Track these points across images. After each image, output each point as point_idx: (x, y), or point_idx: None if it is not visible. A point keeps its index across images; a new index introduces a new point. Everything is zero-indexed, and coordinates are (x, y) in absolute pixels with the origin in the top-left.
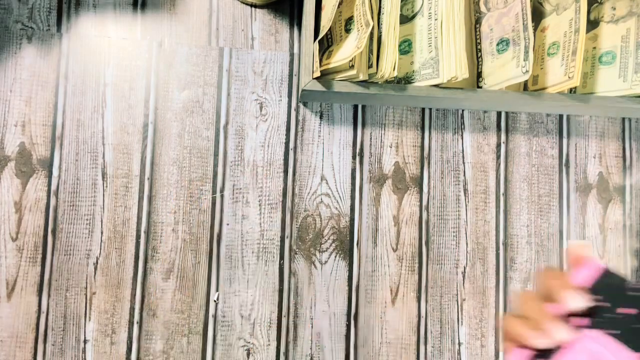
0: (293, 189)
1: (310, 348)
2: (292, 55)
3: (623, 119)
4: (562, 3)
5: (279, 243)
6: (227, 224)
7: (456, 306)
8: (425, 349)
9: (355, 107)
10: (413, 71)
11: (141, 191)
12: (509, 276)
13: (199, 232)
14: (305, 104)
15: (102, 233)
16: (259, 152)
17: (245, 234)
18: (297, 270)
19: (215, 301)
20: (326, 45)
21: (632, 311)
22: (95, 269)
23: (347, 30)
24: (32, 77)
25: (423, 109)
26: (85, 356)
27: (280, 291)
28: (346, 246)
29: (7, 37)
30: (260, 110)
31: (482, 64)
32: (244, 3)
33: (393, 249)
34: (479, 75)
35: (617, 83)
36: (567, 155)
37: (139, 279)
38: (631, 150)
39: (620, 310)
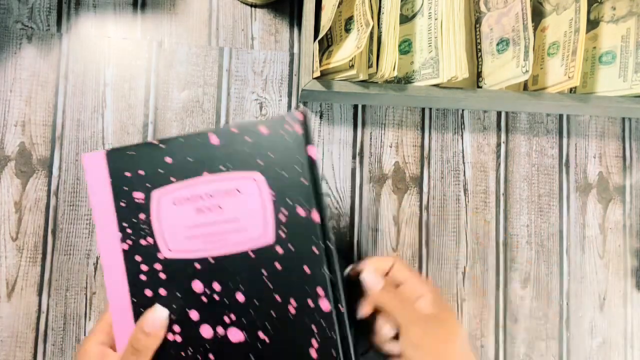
0: None
1: None
2: (292, 55)
3: (623, 119)
4: (562, 3)
5: None
6: None
7: (456, 306)
8: None
9: (355, 107)
10: (413, 71)
11: None
12: (509, 276)
13: None
14: (305, 104)
15: None
16: None
17: None
18: None
19: None
20: (326, 45)
21: None
22: (95, 269)
23: (347, 30)
24: (32, 77)
25: (423, 109)
26: None
27: None
28: (346, 246)
29: (7, 37)
30: (260, 110)
31: (482, 64)
32: (244, 3)
33: (393, 249)
34: (479, 75)
35: (617, 83)
36: (567, 155)
37: None
38: (631, 150)
39: None
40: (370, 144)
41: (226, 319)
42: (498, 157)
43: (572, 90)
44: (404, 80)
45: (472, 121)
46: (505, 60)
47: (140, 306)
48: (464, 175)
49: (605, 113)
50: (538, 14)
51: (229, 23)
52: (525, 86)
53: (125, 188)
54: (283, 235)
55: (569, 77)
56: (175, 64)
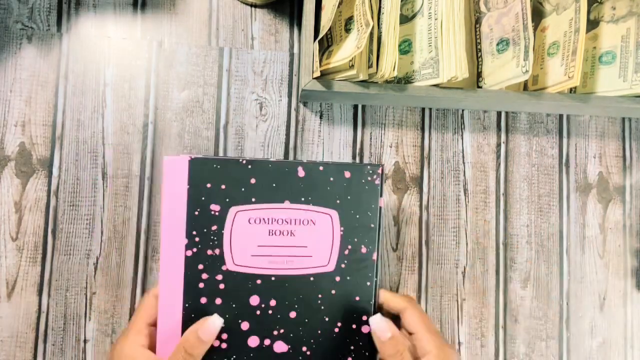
0: None
1: None
2: (292, 55)
3: (623, 119)
4: (562, 3)
5: None
6: None
7: (456, 306)
8: None
9: (355, 107)
10: (413, 71)
11: (141, 191)
12: (509, 276)
13: None
14: (305, 104)
15: (102, 233)
16: (259, 152)
17: None
18: None
19: None
20: (326, 45)
21: None
22: (95, 268)
23: (347, 30)
24: (32, 77)
25: (423, 109)
26: (85, 356)
27: None
28: None
29: (7, 37)
30: (260, 110)
31: (482, 64)
32: (244, 3)
33: (393, 249)
34: (479, 75)
35: (617, 83)
36: (567, 155)
37: (139, 279)
38: (631, 150)
39: None
40: (370, 144)
41: (275, 332)
42: (498, 157)
43: (572, 90)
44: (404, 80)
45: (472, 121)
46: (505, 60)
47: (192, 312)
48: (464, 175)
49: (605, 113)
50: (538, 14)
51: (229, 23)
52: (525, 86)
53: (203, 198)
54: (343, 266)
55: (569, 77)
56: (175, 64)
